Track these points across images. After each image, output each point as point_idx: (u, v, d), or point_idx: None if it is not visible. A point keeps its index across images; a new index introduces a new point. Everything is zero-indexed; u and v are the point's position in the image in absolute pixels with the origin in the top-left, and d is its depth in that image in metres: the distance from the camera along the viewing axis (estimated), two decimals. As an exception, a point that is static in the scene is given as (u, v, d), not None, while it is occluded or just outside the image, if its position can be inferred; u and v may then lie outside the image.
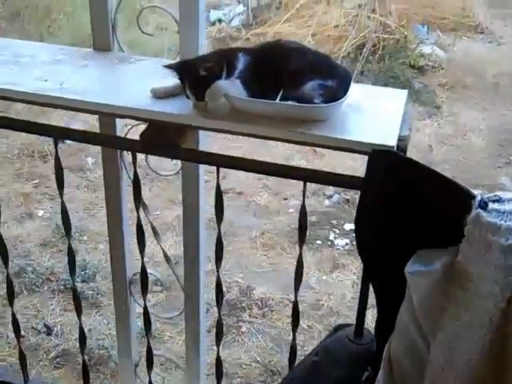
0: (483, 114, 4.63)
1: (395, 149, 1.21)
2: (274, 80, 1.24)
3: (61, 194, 1.44)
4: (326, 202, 3.59)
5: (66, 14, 5.50)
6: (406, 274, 1.14)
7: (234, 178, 3.60)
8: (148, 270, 1.64)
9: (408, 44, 5.07)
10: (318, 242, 3.28)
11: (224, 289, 2.90)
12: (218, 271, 1.44)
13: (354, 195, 3.48)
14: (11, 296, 1.64)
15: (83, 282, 2.85)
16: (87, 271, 2.91)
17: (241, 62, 1.25)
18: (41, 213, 3.37)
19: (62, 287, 2.83)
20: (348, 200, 3.57)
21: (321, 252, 3.21)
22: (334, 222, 3.45)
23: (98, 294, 2.83)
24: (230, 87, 1.23)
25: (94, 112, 1.31)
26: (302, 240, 1.39)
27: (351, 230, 3.30)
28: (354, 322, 1.47)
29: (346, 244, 3.27)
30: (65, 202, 1.52)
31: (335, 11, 5.18)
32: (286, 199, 3.56)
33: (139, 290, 1.68)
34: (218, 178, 1.31)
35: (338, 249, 3.25)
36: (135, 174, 1.38)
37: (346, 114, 1.26)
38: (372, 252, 1.27)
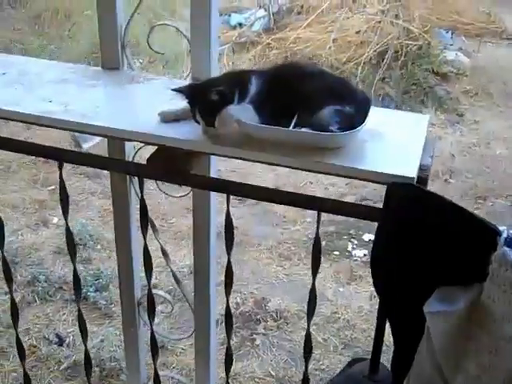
0: (507, 122, 4.54)
1: (416, 180, 1.15)
2: (288, 105, 1.18)
3: (65, 218, 1.40)
4: (345, 212, 3.52)
5: (86, 17, 5.49)
6: (425, 314, 1.08)
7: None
8: (158, 292, 1.60)
9: (431, 50, 4.97)
10: (336, 252, 3.22)
11: (238, 300, 2.89)
12: (227, 301, 1.38)
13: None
14: (16, 316, 1.60)
15: (96, 291, 2.82)
16: (100, 280, 2.87)
17: (254, 86, 1.20)
18: (55, 220, 3.34)
19: (74, 297, 2.80)
20: (367, 210, 3.48)
21: (338, 263, 3.14)
22: (353, 232, 3.39)
23: (111, 303, 2.79)
24: (242, 113, 1.17)
25: (99, 135, 1.27)
26: (315, 270, 1.33)
27: (370, 240, 3.23)
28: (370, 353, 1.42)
29: (364, 255, 3.20)
30: (70, 224, 1.48)
31: (357, 17, 5.09)
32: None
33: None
34: (228, 206, 1.25)
35: (356, 260, 3.19)
36: (142, 199, 1.33)
37: (363, 141, 1.21)
38: (389, 287, 1.21)
